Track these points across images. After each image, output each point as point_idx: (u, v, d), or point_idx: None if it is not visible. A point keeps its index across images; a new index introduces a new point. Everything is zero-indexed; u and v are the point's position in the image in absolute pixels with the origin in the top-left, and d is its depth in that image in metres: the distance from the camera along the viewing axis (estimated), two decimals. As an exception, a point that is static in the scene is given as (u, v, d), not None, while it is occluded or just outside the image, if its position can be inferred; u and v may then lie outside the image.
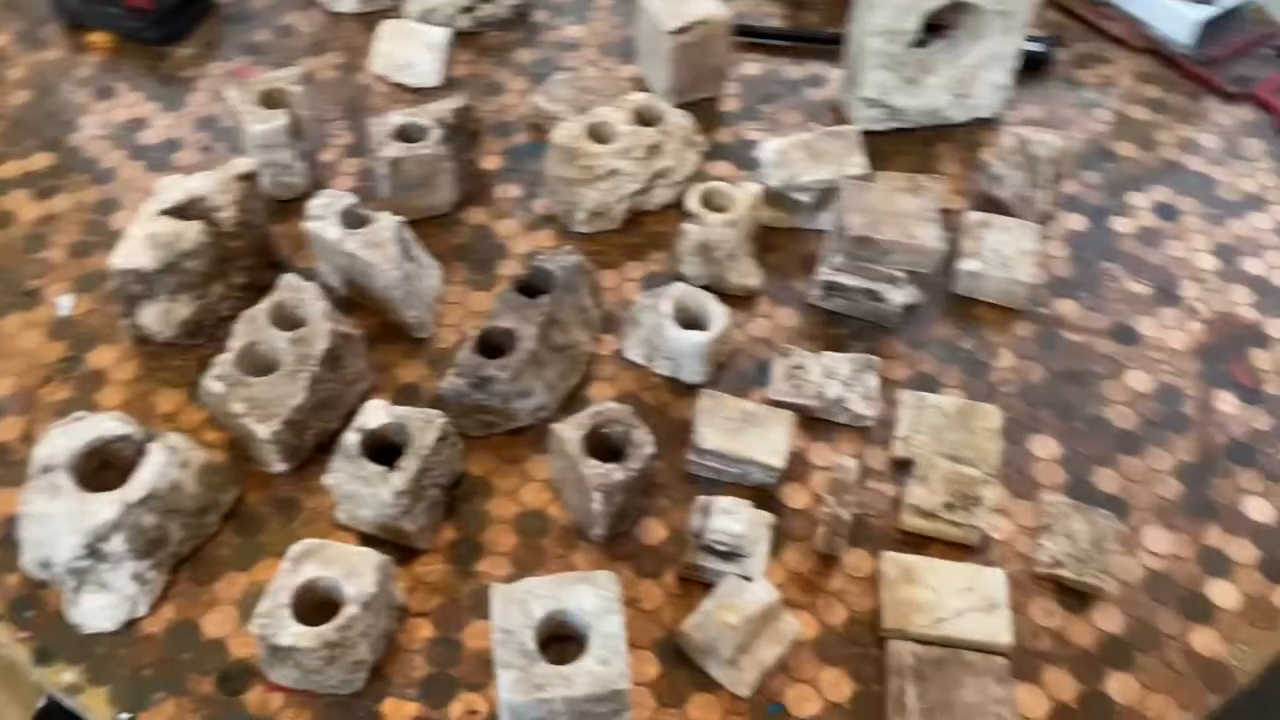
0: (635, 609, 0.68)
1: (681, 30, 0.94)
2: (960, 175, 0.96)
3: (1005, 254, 0.84)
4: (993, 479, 0.72)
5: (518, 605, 0.59)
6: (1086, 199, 0.94)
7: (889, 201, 0.81)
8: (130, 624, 0.66)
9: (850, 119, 0.99)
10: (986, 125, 1.00)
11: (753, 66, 1.05)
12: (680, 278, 0.83)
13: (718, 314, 0.78)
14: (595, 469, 0.67)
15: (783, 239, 0.89)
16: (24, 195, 0.90)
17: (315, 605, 0.62)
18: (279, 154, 0.87)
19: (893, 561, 0.68)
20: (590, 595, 0.60)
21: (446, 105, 0.89)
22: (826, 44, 1.05)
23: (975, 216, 0.87)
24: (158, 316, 0.77)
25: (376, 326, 0.82)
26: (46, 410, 0.76)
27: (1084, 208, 0.94)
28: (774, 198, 0.88)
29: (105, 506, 0.63)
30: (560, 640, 0.61)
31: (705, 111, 1.00)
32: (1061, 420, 0.79)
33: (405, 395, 0.78)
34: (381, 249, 0.77)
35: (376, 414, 0.69)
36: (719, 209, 0.83)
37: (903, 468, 0.74)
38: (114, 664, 0.64)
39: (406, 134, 0.87)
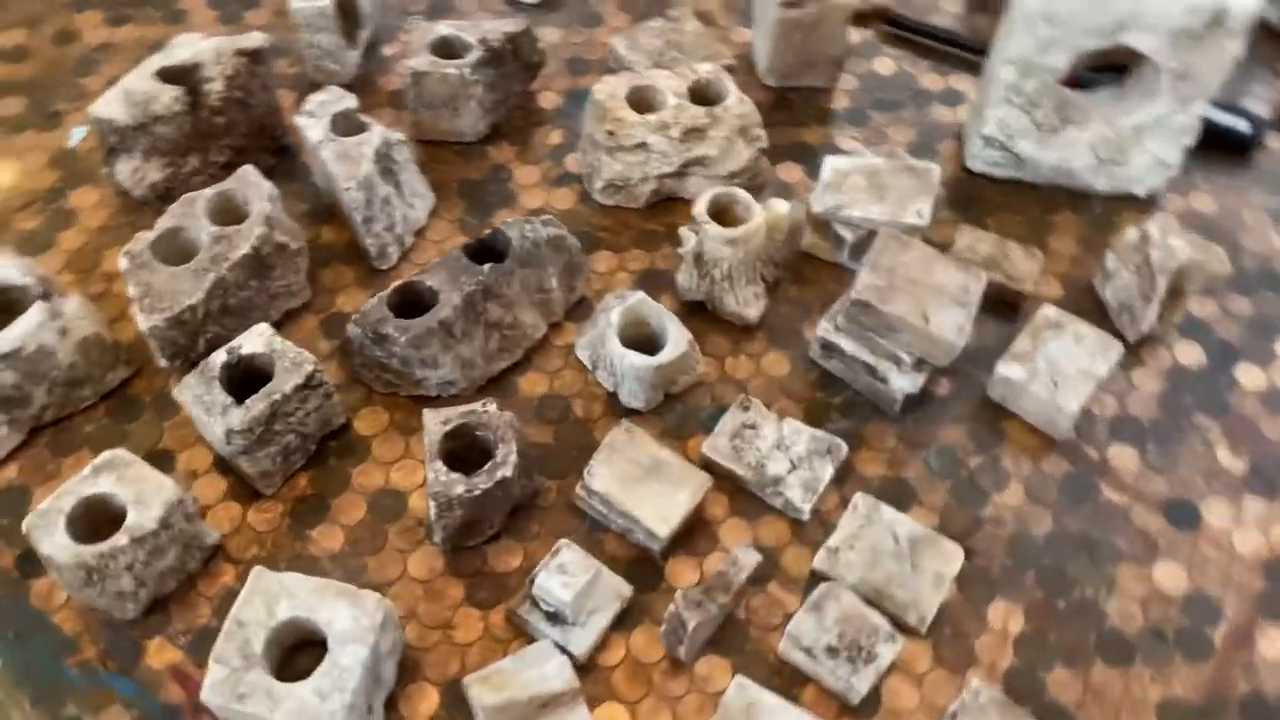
0: (446, 637, 0.60)
1: (792, 4, 0.81)
2: (1072, 257, 0.78)
3: (1062, 368, 0.68)
4: (899, 638, 0.59)
5: (264, 598, 0.53)
6: (1218, 330, 0.75)
7: (925, 269, 0.66)
8: (-31, 473, 0.65)
9: (965, 156, 0.82)
10: (1137, 205, 0.81)
11: (886, 64, 0.90)
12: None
13: (675, 340, 0.67)
14: (436, 473, 0.59)
15: (819, 272, 0.76)
16: (97, 16, 0.90)
17: (107, 519, 0.58)
18: (321, 37, 0.82)
19: (742, 690, 0.57)
20: (347, 617, 0.53)
21: (503, 26, 0.80)
22: (975, 53, 0.88)
23: (1050, 313, 0.71)
24: (129, 174, 0.75)
25: (345, 241, 0.76)
26: (12, 234, 0.75)
27: (1209, 341, 0.74)
28: (818, 224, 0.75)
29: (-38, 352, 0.62)
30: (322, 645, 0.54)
31: (807, 102, 0.87)
32: (1044, 592, 0.63)
33: (335, 325, 0.72)
34: (351, 163, 0.71)
35: (255, 339, 0.63)
36: (734, 220, 0.71)
37: (814, 582, 0.62)
38: (-63, 507, 0.64)
39: (448, 47, 0.80)
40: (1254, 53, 0.91)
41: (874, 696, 0.59)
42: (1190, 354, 0.74)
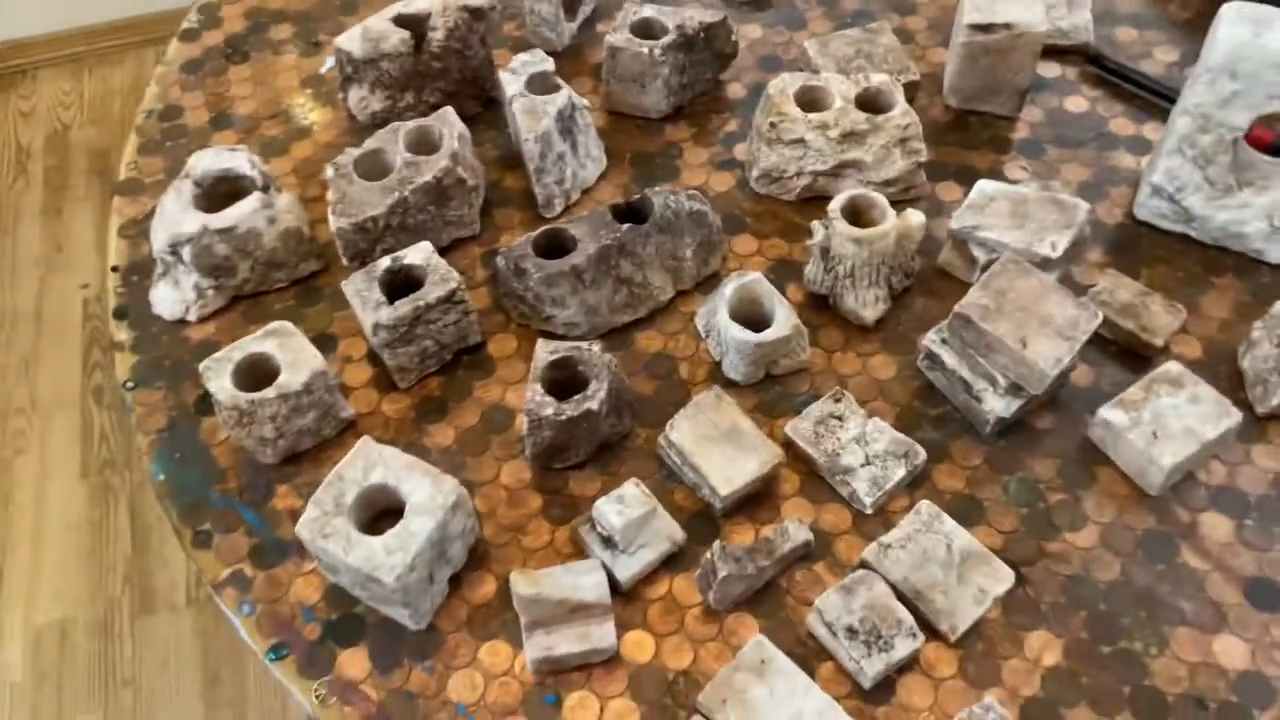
0: (516, 540, 0.67)
1: (980, 28, 0.82)
2: (1223, 322, 0.76)
3: (1167, 423, 0.67)
4: (920, 636, 0.60)
5: (364, 462, 0.62)
6: (1365, 423, 0.71)
7: (1037, 298, 0.67)
8: (179, 322, 0.78)
9: (1134, 203, 0.81)
10: (1311, 282, 0.77)
11: (1078, 102, 0.89)
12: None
13: (781, 322, 0.71)
14: (534, 392, 0.66)
15: (950, 289, 0.78)
16: (368, -34, 1.03)
17: (265, 377, 0.69)
18: (542, 5, 0.91)
19: (760, 646, 0.61)
20: (427, 490, 0.61)
21: (701, 16, 0.87)
22: (1170, 103, 0.85)
23: (1172, 369, 0.69)
24: (356, 101, 0.87)
25: (521, 189, 0.85)
26: (257, 138, 0.89)
27: (1352, 431, 0.70)
28: (957, 242, 0.76)
29: (191, 221, 0.75)
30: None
31: (986, 128, 0.88)
32: (1090, 635, 0.63)
33: (492, 258, 0.81)
34: (535, 118, 0.79)
35: (418, 253, 0.73)
36: (870, 223, 0.74)
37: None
38: (151, 343, 0.77)
39: (647, 27, 0.87)
40: None
41: (889, 687, 0.61)
42: (1325, 441, 0.70)
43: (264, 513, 0.69)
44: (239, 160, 0.78)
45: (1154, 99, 0.88)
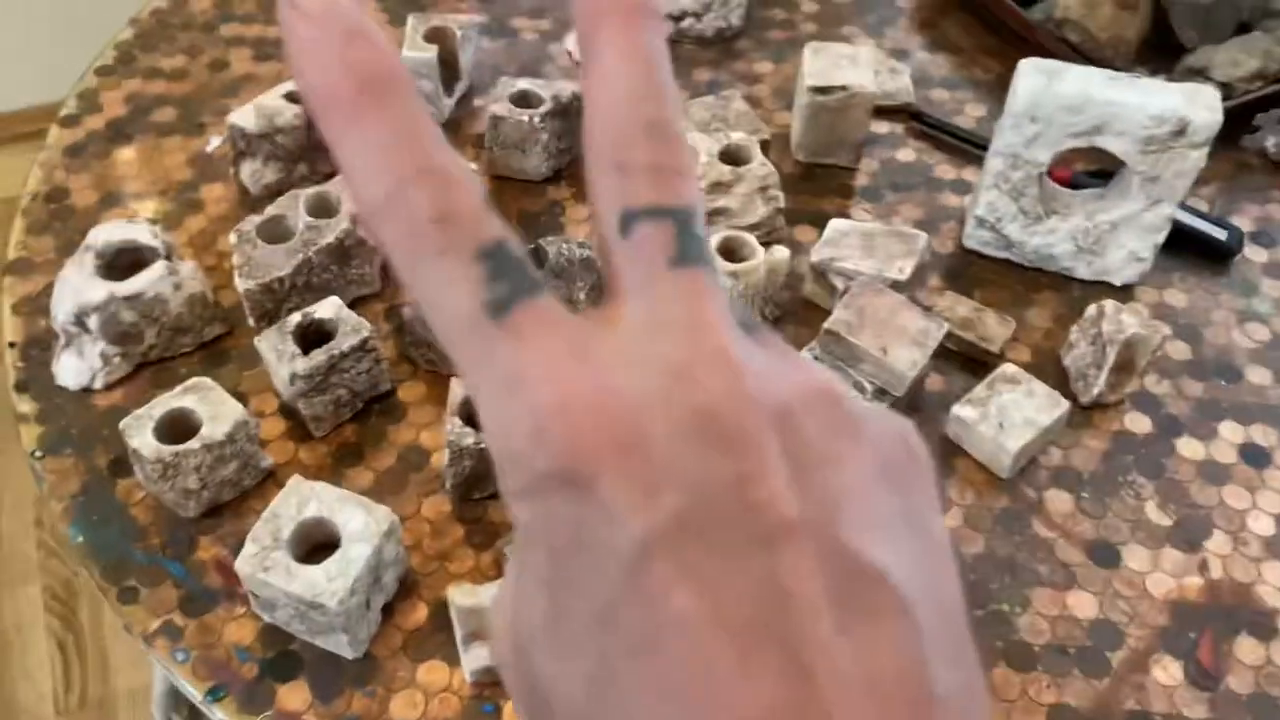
0: (442, 566, 0.71)
1: (820, 90, 0.93)
2: (1046, 331, 0.87)
3: (1010, 415, 0.77)
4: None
5: (298, 498, 0.66)
6: (1169, 406, 0.83)
7: (893, 313, 0.76)
8: (86, 391, 0.79)
9: (963, 235, 0.93)
10: (1113, 293, 0.90)
11: (908, 152, 1.01)
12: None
13: (672, 350, 0.78)
14: (453, 426, 0.71)
15: (816, 318, 0.87)
16: (246, 53, 1.08)
17: (186, 431, 0.71)
18: (423, 83, 0.97)
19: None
20: (361, 519, 0.65)
21: (573, 88, 0.95)
22: (982, 150, 0.99)
23: (1009, 370, 0.80)
24: (250, 174, 0.91)
25: (415, 250, 0.90)
26: (149, 212, 0.92)
27: (1159, 415, 0.82)
28: (817, 274, 0.86)
29: (97, 290, 0.77)
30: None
31: (831, 178, 0.99)
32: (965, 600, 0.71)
33: (397, 312, 0.86)
34: (427, 182, 0.85)
35: (327, 307, 0.77)
36: (741, 260, 0.83)
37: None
38: (57, 414, 0.78)
39: (524, 99, 0.94)
40: (1252, 175, 1.00)
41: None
42: (1138, 423, 0.82)
43: (188, 564, 0.71)
44: (140, 231, 0.81)
45: (969, 147, 1.01)
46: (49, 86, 2.00)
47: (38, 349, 0.82)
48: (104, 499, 0.74)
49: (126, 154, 0.97)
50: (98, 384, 0.79)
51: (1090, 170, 0.96)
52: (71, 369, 0.79)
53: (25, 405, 0.78)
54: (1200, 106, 0.79)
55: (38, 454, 0.76)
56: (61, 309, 0.78)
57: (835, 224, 0.86)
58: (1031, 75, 0.82)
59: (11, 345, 0.82)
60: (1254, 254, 0.94)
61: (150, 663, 1.48)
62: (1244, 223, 0.96)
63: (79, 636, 1.59)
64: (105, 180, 0.94)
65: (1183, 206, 0.87)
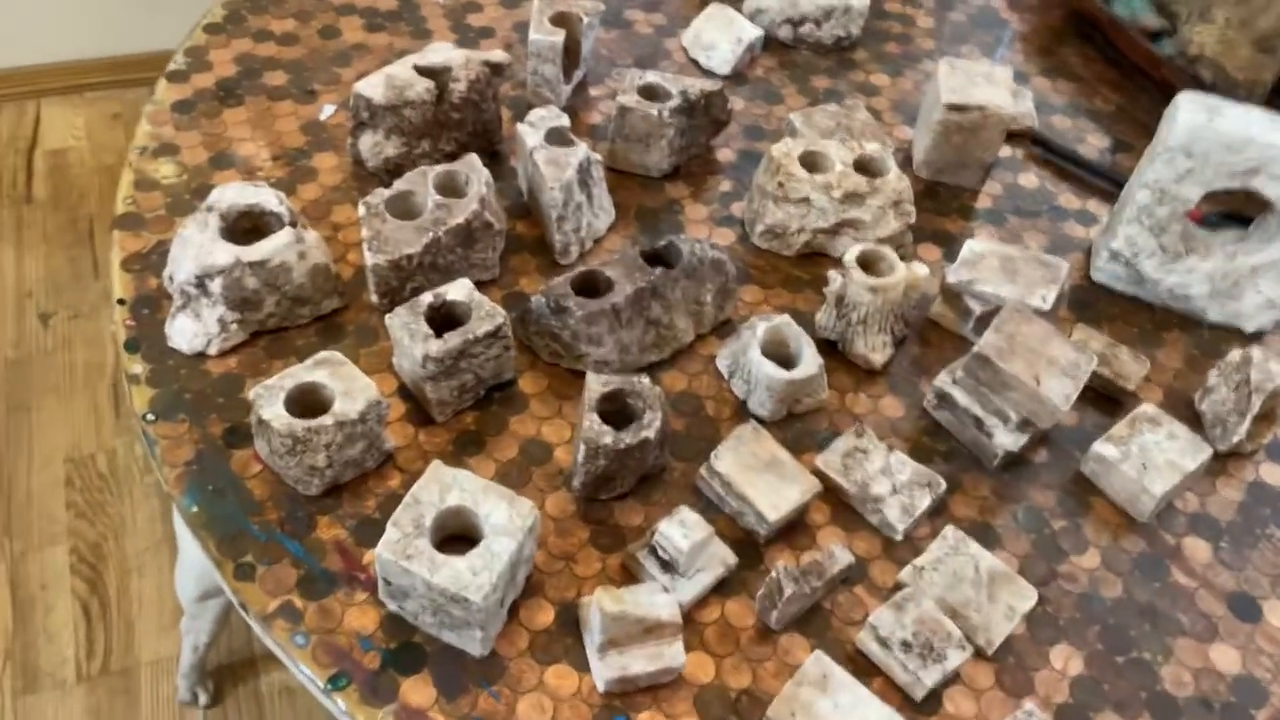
0: (568, 567, 0.69)
1: (956, 108, 0.91)
2: (1176, 372, 0.85)
3: (1152, 457, 0.75)
4: (968, 648, 0.65)
5: (440, 485, 0.63)
6: (1304, 459, 0.81)
7: (1043, 341, 0.74)
8: (200, 356, 0.76)
9: (1091, 268, 0.91)
10: (1243, 339, 0.88)
11: (1030, 178, 0.99)
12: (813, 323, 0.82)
13: (809, 361, 0.76)
14: (591, 422, 0.68)
15: (942, 339, 0.85)
16: (357, 22, 1.05)
17: (315, 406, 0.69)
18: (546, 67, 0.95)
19: (819, 662, 0.64)
20: (504, 513, 0.62)
21: (701, 85, 0.93)
22: (1113, 184, 0.97)
23: (1149, 410, 0.78)
24: (369, 147, 0.88)
25: (534, 237, 0.88)
26: (260, 179, 0.89)
27: (1295, 466, 0.80)
28: (949, 295, 0.84)
29: (223, 253, 0.74)
30: (470, 545, 0.64)
31: (954, 197, 0.96)
32: (1105, 646, 0.69)
33: (513, 300, 0.83)
34: (558, 169, 0.83)
35: (459, 289, 0.75)
36: (877, 273, 0.80)
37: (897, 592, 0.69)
38: (169, 377, 0.75)
39: (651, 92, 0.92)
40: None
41: (935, 700, 0.65)
42: (1274, 474, 0.79)
43: (308, 544, 0.68)
44: (265, 196, 0.78)
45: (1093, 178, 0.99)
46: (94, 40, 2.00)
47: (148, 308, 0.79)
48: (219, 469, 0.71)
49: (237, 114, 0.94)
50: (213, 349, 0.76)
51: (1221, 213, 0.94)
52: (187, 331, 0.76)
53: (137, 366, 0.76)
54: (1365, 156, 0.77)
55: (149, 417, 0.73)
56: (182, 269, 0.75)
57: (972, 244, 0.83)
58: (1192, 109, 0.80)
59: (120, 302, 0.79)
60: (1383, 310, 0.92)
61: (178, 634, 1.45)
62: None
63: (105, 602, 1.56)
64: (215, 140, 0.92)
65: (1324, 256, 0.85)
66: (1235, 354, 0.80)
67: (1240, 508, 0.77)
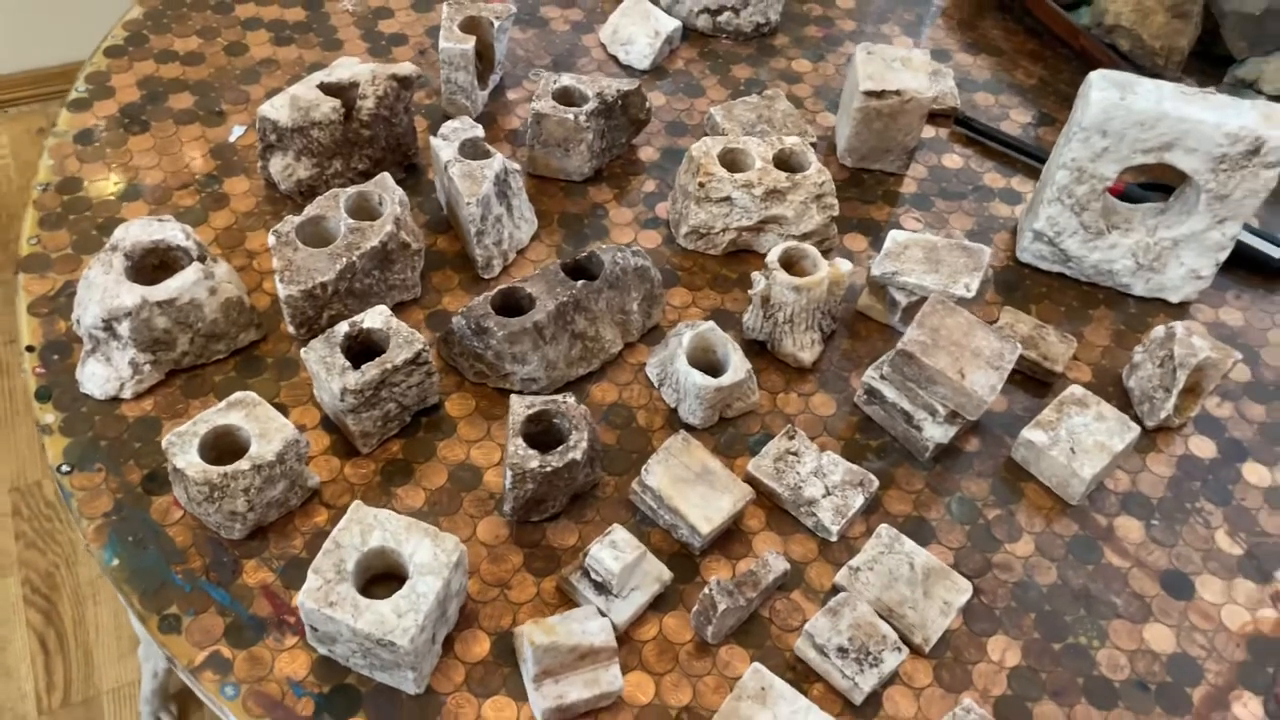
0: (503, 594, 0.68)
1: (875, 94, 0.90)
2: (1104, 349, 0.85)
3: (1081, 440, 0.75)
4: (904, 650, 0.65)
5: (360, 526, 0.62)
6: (1232, 430, 0.81)
7: (967, 333, 0.74)
8: (114, 400, 0.75)
9: (1016, 248, 0.91)
10: (1169, 310, 0.89)
11: (955, 159, 0.99)
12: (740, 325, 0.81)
13: (736, 367, 0.75)
14: (516, 447, 0.67)
15: (870, 331, 0.84)
16: (265, 36, 1.02)
17: (231, 450, 0.67)
18: (458, 74, 0.93)
19: (758, 675, 0.64)
20: (429, 550, 0.61)
21: (618, 85, 0.91)
22: (1037, 160, 0.97)
23: (1077, 391, 0.78)
24: (280, 169, 0.86)
25: (456, 252, 0.86)
26: (171, 208, 0.87)
27: (1223, 439, 0.81)
28: (875, 287, 0.83)
29: (129, 295, 0.72)
30: (399, 581, 0.63)
31: (879, 184, 0.96)
32: (1041, 634, 0.69)
33: (438, 320, 0.82)
34: (474, 183, 0.81)
35: (376, 316, 0.73)
36: (802, 273, 0.80)
37: (834, 594, 0.69)
38: (84, 424, 0.73)
39: (567, 96, 0.90)
40: (1297, 191, 0.99)
41: (875, 702, 0.66)
42: (1203, 447, 0.80)
43: (234, 590, 0.67)
44: (171, 231, 0.76)
45: (1016, 155, 0.99)
46: (13, 54, 1.94)
47: (58, 354, 0.77)
48: (139, 519, 0.69)
49: (143, 142, 0.91)
50: (127, 393, 0.74)
51: (1142, 183, 0.94)
52: (99, 377, 0.74)
53: (49, 415, 0.74)
54: (1276, 126, 0.78)
55: (64, 468, 0.71)
56: (88, 313, 0.73)
57: (895, 235, 0.83)
58: (1104, 88, 0.79)
59: (29, 349, 0.77)
60: (1305, 272, 0.93)
61: (138, 660, 1.43)
62: (1293, 239, 0.95)
63: (61, 632, 1.53)
64: (122, 170, 0.89)
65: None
66: (1159, 329, 0.80)
67: (1170, 483, 0.78)
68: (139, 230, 0.76)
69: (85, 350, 0.75)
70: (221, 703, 0.62)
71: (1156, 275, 0.87)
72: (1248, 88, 1.00)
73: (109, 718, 1.46)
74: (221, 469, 0.65)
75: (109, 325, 0.72)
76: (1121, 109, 0.78)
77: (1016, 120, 1.03)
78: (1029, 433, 0.76)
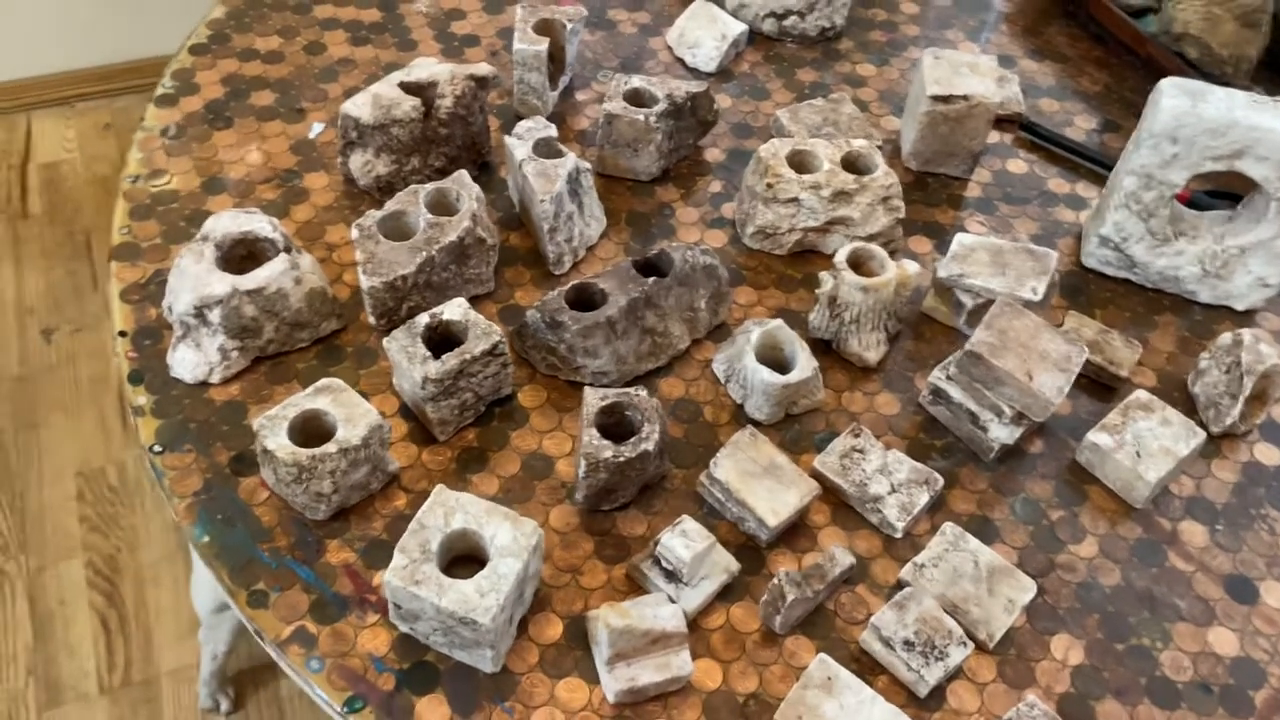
0: (574, 580, 0.70)
1: (942, 99, 0.92)
2: (1169, 355, 0.86)
3: (1146, 444, 0.76)
4: (969, 644, 0.66)
5: (444, 509, 0.64)
6: (1298, 437, 0.82)
7: (1034, 335, 0.75)
8: (202, 384, 0.78)
9: (1081, 253, 0.91)
10: (1234, 318, 0.89)
11: (1019, 164, 1.00)
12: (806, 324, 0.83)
13: (804, 365, 0.77)
14: (590, 437, 0.69)
15: (935, 333, 0.86)
16: (342, 36, 1.05)
17: (318, 433, 0.70)
18: (531, 75, 0.95)
19: (824, 665, 0.65)
20: (509, 534, 0.63)
21: (687, 87, 0.93)
22: (1102, 167, 0.97)
23: (1142, 396, 0.79)
24: (360, 165, 0.89)
25: (528, 248, 0.88)
26: (254, 201, 0.90)
27: (1288, 445, 0.81)
28: (941, 290, 0.84)
29: (220, 283, 0.75)
30: (478, 563, 0.65)
31: (944, 187, 0.97)
32: (1105, 635, 0.70)
33: (510, 314, 0.84)
34: (548, 181, 0.83)
35: (455, 309, 0.75)
36: (869, 273, 0.81)
37: (899, 589, 0.70)
38: (174, 407, 0.76)
39: (638, 97, 0.92)
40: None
41: (939, 695, 0.67)
42: (1268, 454, 0.80)
43: (318, 569, 0.69)
44: (258, 222, 0.79)
45: (1082, 162, 1.00)
46: (81, 51, 2.00)
47: (149, 339, 0.80)
48: (227, 498, 0.72)
49: (227, 137, 0.94)
50: (215, 378, 0.77)
51: (1209, 191, 0.94)
52: (188, 362, 0.77)
53: (141, 397, 0.77)
54: (1349, 135, 0.78)
55: (156, 449, 0.74)
56: (180, 301, 0.76)
57: (961, 238, 0.84)
58: (1175, 95, 0.80)
59: (122, 334, 0.80)
60: (1373, 282, 0.92)
61: (197, 643, 1.47)
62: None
63: (123, 614, 1.58)
64: (207, 165, 0.92)
65: (1312, 233, 0.86)
66: (1226, 336, 0.80)
67: (1235, 489, 0.78)
68: (228, 221, 0.79)
69: (176, 336, 0.78)
70: (308, 675, 0.65)
71: (1223, 283, 0.87)
72: (1317, 97, 1.00)
73: (168, 698, 1.50)
74: (310, 451, 0.67)
75: (200, 312, 0.75)
76: (1192, 116, 0.79)
77: (1081, 126, 1.04)
78: (1094, 436, 0.76)
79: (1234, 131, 0.79)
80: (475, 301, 0.84)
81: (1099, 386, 0.83)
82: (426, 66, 0.90)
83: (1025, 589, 0.70)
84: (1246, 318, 0.89)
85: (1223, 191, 0.94)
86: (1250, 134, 0.79)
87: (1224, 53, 1.00)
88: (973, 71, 0.93)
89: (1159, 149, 0.81)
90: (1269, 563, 0.74)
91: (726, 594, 0.70)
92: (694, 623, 0.68)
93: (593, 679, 0.66)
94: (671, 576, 0.68)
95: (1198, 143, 0.80)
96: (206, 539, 0.70)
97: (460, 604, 0.60)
